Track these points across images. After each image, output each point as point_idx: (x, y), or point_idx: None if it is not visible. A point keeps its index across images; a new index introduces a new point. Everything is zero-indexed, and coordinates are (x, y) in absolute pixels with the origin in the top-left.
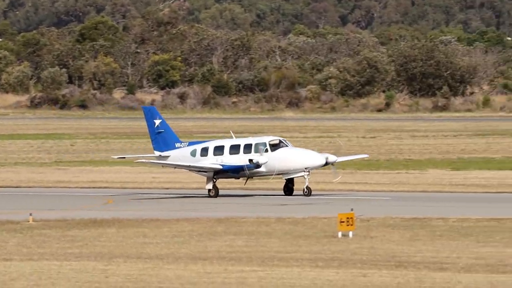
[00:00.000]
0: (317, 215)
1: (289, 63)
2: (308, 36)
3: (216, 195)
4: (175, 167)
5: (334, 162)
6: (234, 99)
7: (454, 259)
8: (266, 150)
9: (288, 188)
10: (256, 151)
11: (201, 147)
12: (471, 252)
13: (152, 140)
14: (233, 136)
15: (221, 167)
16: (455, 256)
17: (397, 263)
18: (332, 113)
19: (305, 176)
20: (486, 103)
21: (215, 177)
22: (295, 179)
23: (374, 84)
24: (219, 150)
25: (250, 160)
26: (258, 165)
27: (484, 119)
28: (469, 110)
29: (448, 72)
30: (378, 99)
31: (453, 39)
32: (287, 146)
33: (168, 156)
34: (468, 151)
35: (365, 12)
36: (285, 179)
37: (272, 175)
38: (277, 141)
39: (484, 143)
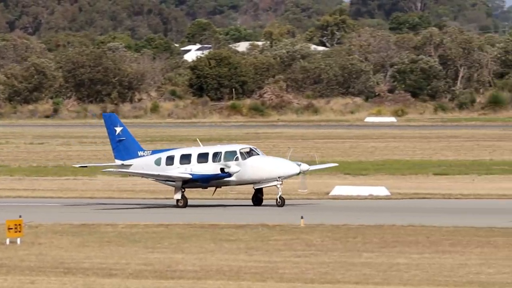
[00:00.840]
0: None
1: None
2: None
3: (185, 205)
4: (142, 176)
5: (307, 171)
6: None
7: (123, 265)
8: (237, 159)
9: (257, 198)
10: (226, 160)
11: (166, 156)
12: (139, 258)
13: (113, 149)
14: (200, 144)
15: (190, 176)
16: (123, 262)
17: (66, 270)
18: None
19: (278, 186)
20: (155, 109)
21: (183, 186)
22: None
23: (42, 90)
24: (185, 158)
25: (222, 169)
26: (229, 174)
27: (153, 126)
28: (137, 117)
29: (117, 79)
30: (46, 105)
31: (121, 46)
32: (258, 154)
33: (130, 165)
34: None
35: (33, 18)
36: (255, 188)
37: (242, 184)
38: (247, 149)
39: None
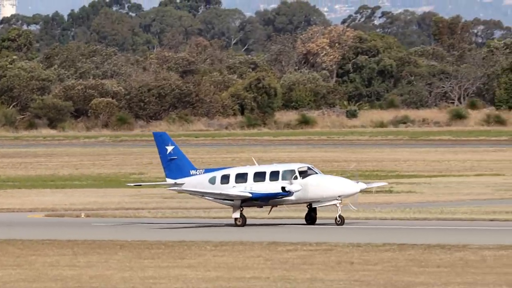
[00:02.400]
0: None
1: None
2: None
3: (244, 224)
4: (202, 195)
5: (364, 189)
6: None
7: None
8: (296, 178)
9: (311, 217)
10: (284, 178)
11: (221, 174)
12: None
13: (164, 168)
14: (256, 163)
15: (250, 195)
16: None
17: None
18: None
19: (337, 205)
20: None
21: (242, 205)
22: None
23: None
24: (241, 177)
25: (283, 188)
26: (290, 193)
27: None
28: None
29: None
30: None
31: None
32: (316, 173)
33: (183, 184)
34: None
35: None
36: (309, 207)
37: (300, 203)
38: (305, 168)
39: None
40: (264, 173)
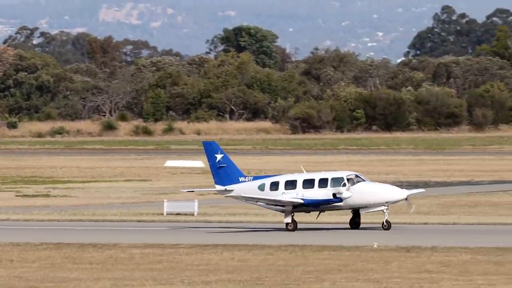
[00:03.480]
0: None
1: None
2: None
3: (295, 228)
4: (256, 201)
5: (410, 195)
6: None
7: None
8: (344, 185)
9: (355, 222)
10: (332, 186)
11: (270, 181)
12: None
13: (213, 175)
14: (304, 170)
15: (302, 201)
16: None
17: None
18: None
19: (384, 210)
20: None
21: (293, 211)
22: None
23: None
24: (291, 184)
25: (334, 195)
26: (340, 199)
27: None
28: None
29: None
30: None
31: None
32: (364, 180)
33: (232, 190)
34: None
35: None
36: (352, 213)
37: (348, 209)
38: (353, 176)
39: None
40: (313, 180)
